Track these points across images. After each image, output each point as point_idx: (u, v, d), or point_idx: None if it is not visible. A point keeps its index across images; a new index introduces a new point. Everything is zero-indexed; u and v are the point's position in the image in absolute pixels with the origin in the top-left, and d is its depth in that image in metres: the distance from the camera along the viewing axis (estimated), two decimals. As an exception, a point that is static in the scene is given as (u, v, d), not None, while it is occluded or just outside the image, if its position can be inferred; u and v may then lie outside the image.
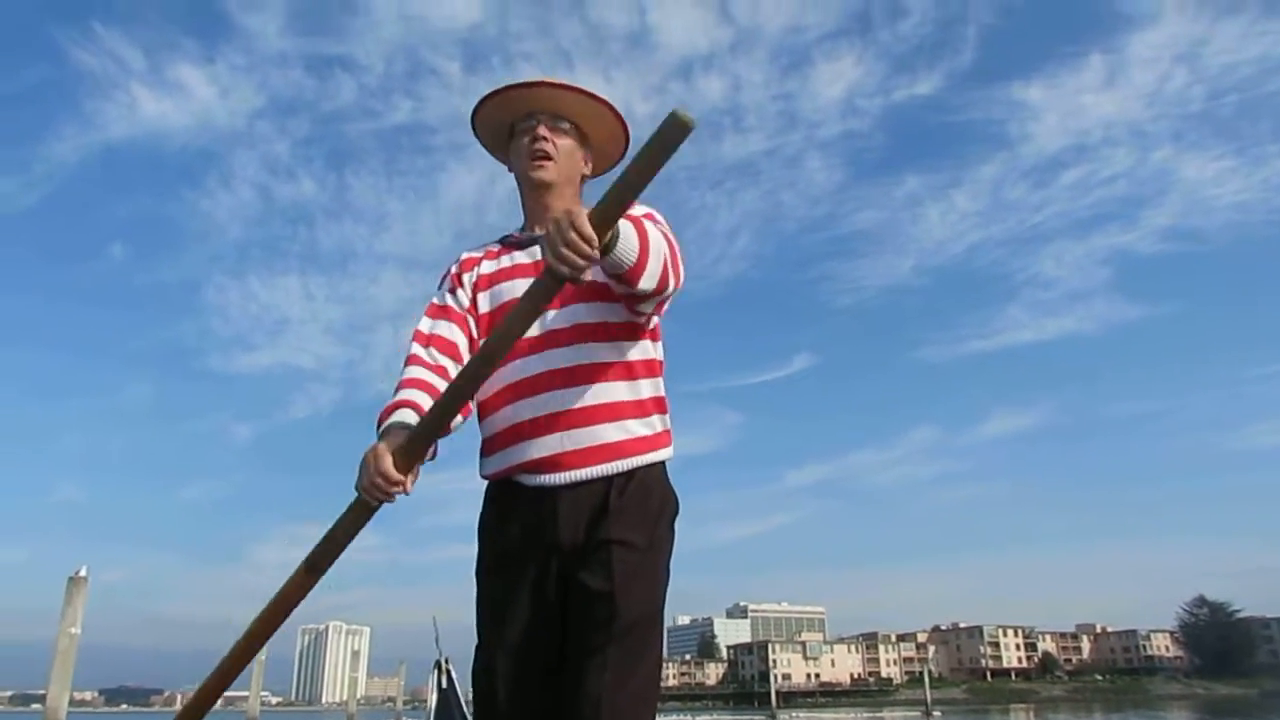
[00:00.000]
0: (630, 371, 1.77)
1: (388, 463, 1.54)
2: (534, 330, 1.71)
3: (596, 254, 1.42)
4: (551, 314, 1.76)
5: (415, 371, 1.80)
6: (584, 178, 1.98)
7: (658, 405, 1.80)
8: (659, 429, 1.80)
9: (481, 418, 1.85)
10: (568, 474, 1.70)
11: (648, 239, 1.56)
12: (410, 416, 1.67)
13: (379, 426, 1.70)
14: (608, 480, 1.70)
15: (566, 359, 1.72)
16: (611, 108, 1.92)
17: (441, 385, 1.76)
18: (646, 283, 1.58)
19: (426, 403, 1.69)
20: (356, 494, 1.60)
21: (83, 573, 14.02)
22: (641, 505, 1.71)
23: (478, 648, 1.76)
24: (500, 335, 1.54)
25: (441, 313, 1.89)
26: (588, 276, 1.45)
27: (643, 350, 1.80)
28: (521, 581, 1.71)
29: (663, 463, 1.80)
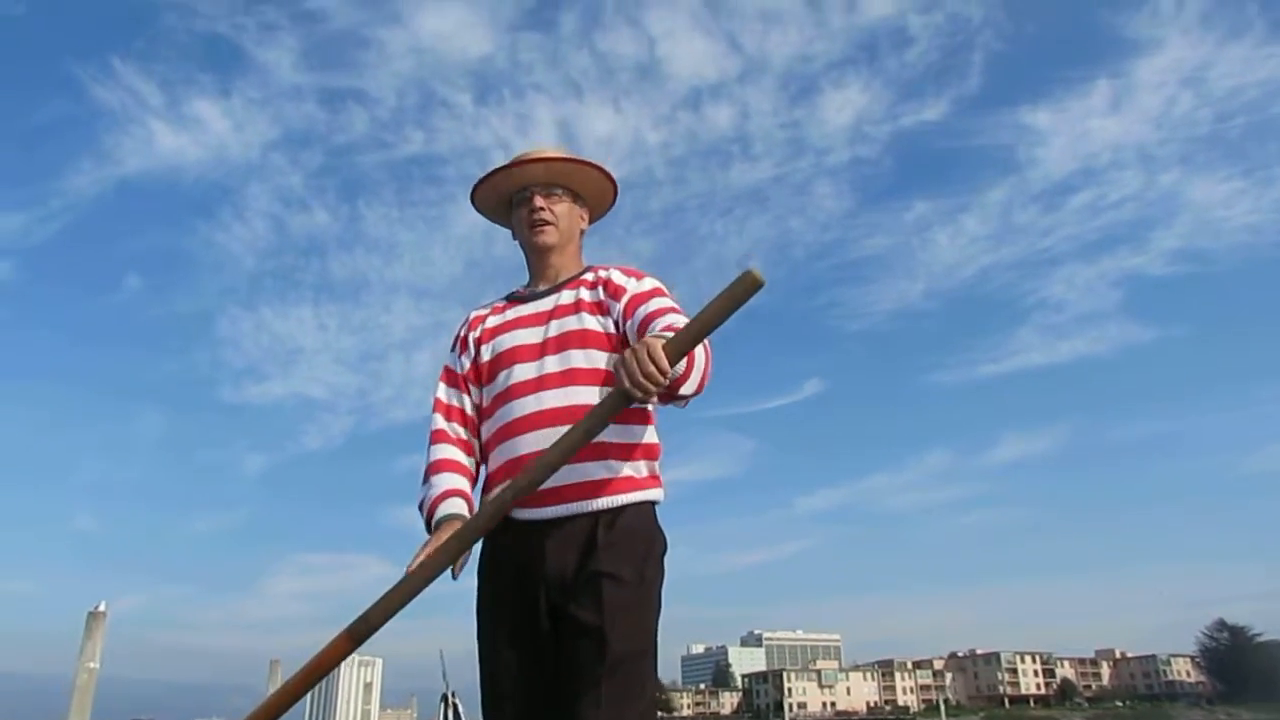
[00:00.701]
0: (619, 416, 1.79)
1: (436, 546, 1.73)
2: (531, 373, 1.89)
3: (667, 382, 1.56)
4: (549, 359, 1.90)
5: (446, 451, 1.95)
6: (582, 231, 2.14)
7: (647, 451, 1.88)
8: (646, 473, 1.87)
9: (483, 455, 1.98)
10: (554, 509, 1.78)
11: (694, 356, 1.66)
12: (460, 506, 1.85)
13: (428, 517, 1.86)
14: (594, 516, 1.77)
15: (558, 400, 1.83)
16: (595, 165, 2.07)
17: (467, 461, 1.95)
18: (686, 389, 1.70)
19: (465, 485, 1.90)
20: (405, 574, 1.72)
21: (101, 608, 14.19)
22: (629, 541, 1.77)
23: (481, 684, 1.84)
24: (560, 448, 1.68)
25: (453, 380, 2.04)
26: (653, 400, 1.65)
27: None
28: (515, 616, 1.78)
29: (652, 504, 1.87)
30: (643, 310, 1.85)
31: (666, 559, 1.86)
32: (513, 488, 1.69)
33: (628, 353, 1.57)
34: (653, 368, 1.53)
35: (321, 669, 1.75)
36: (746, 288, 1.53)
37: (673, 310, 1.83)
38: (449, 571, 1.73)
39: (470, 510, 1.84)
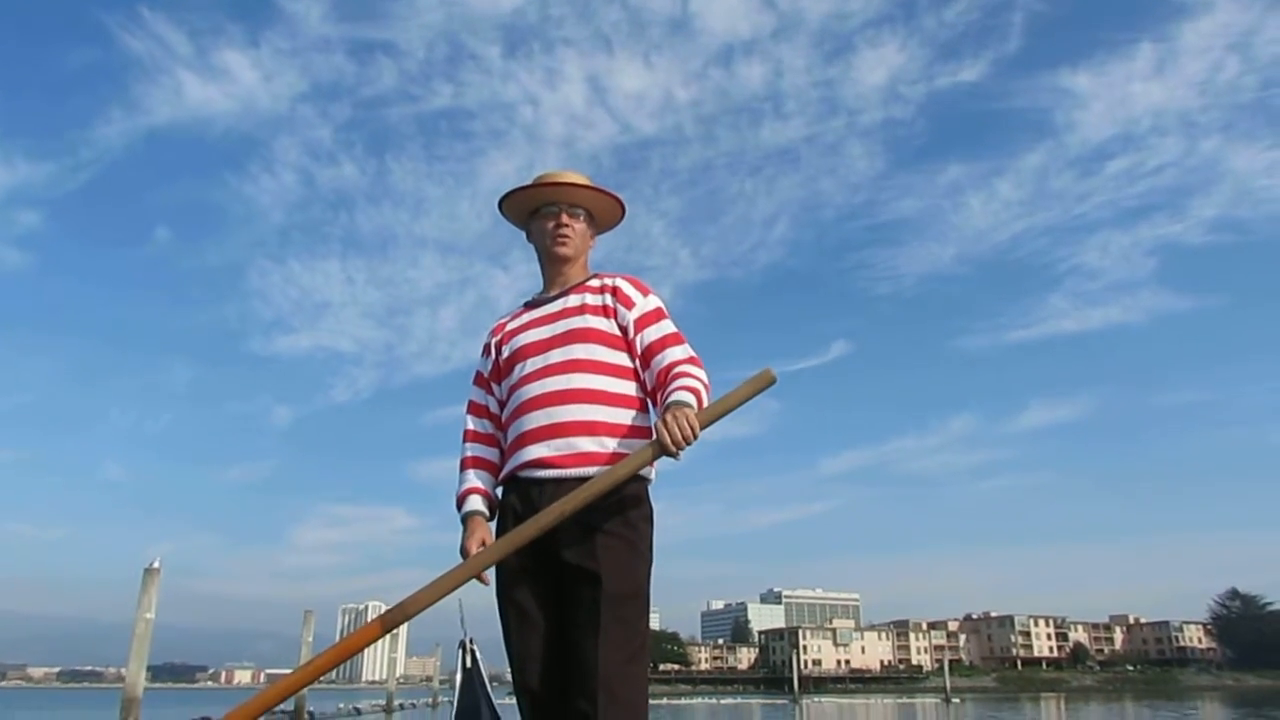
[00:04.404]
0: (610, 400, 2.16)
1: (471, 558, 2.04)
2: (538, 364, 2.22)
3: (694, 442, 1.98)
4: (554, 352, 2.22)
5: (471, 449, 2.31)
6: (591, 246, 2.48)
7: (637, 432, 2.17)
8: (637, 449, 2.10)
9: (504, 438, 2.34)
10: (551, 471, 2.10)
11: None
12: (478, 503, 2.21)
13: (458, 509, 2.23)
14: (584, 480, 2.03)
15: (559, 385, 2.16)
16: (615, 197, 2.41)
17: (489, 453, 2.30)
18: None
19: (485, 480, 2.26)
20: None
21: (156, 564, 15.71)
22: (618, 504, 2.05)
23: (501, 618, 2.13)
24: (599, 484, 1.97)
25: (482, 382, 2.40)
26: (682, 456, 1.99)
27: (625, 387, 2.21)
28: (525, 561, 2.07)
29: (640, 479, 2.12)
30: (651, 334, 2.23)
31: (654, 529, 2.16)
32: (536, 522, 1.97)
33: (669, 418, 1.96)
34: (690, 434, 1.95)
35: (351, 650, 1.98)
36: (764, 382, 2.04)
37: (678, 344, 2.21)
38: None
39: (486, 504, 2.22)
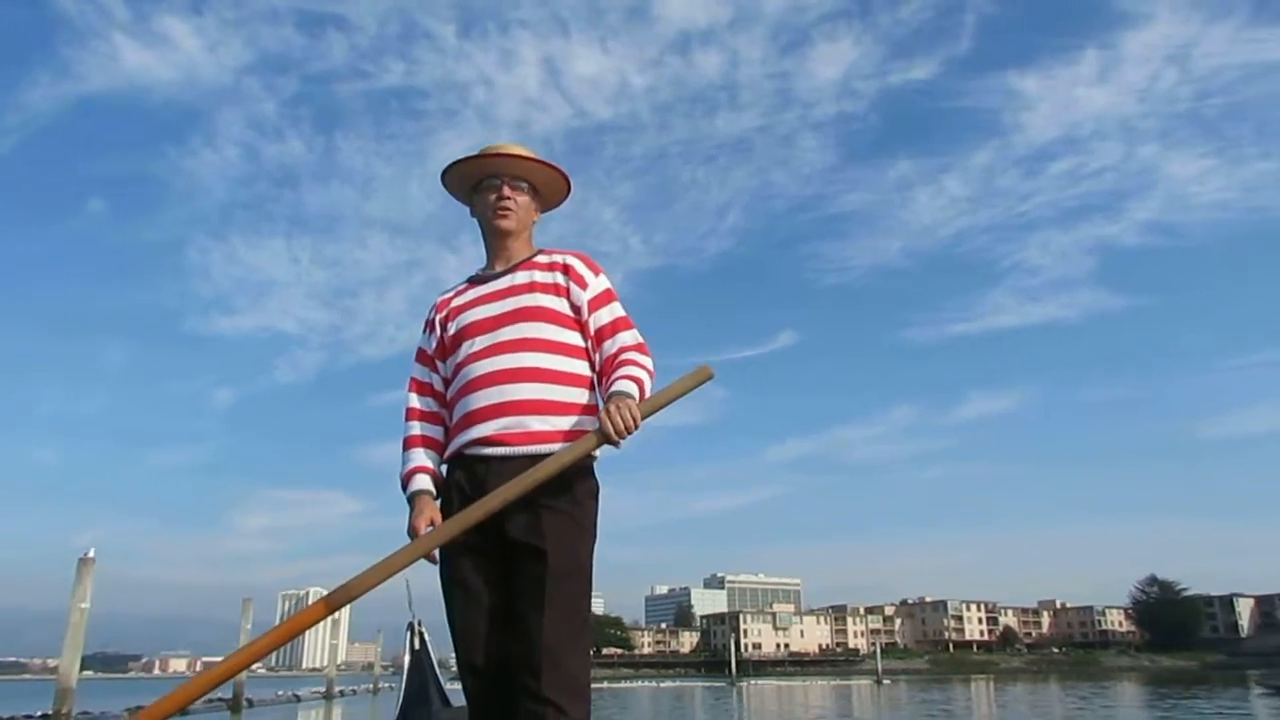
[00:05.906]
0: (561, 379, 2.14)
1: (419, 539, 2.00)
2: (487, 342, 2.18)
3: (636, 431, 1.99)
4: (503, 329, 2.19)
5: (415, 428, 2.26)
6: (534, 221, 2.41)
7: (585, 410, 2.15)
8: (586, 429, 2.10)
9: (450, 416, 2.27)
10: (498, 449, 2.08)
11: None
12: (425, 483, 2.17)
13: (404, 489, 2.19)
14: (532, 458, 2.03)
15: (509, 363, 2.13)
16: (560, 171, 2.35)
17: (435, 431, 2.26)
18: None
19: (431, 459, 2.22)
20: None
21: (91, 554, 15.82)
22: (564, 480, 2.02)
23: (444, 594, 2.11)
24: (545, 469, 1.98)
25: (426, 359, 2.34)
26: (624, 444, 1.99)
27: (575, 367, 2.19)
28: (469, 543, 2.04)
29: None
30: (603, 316, 2.22)
31: (599, 505, 2.14)
32: (484, 504, 1.96)
33: (612, 408, 1.97)
34: (632, 424, 1.96)
35: (293, 631, 1.93)
36: (702, 377, 2.09)
37: (628, 328, 2.22)
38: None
39: (433, 482, 2.18)
